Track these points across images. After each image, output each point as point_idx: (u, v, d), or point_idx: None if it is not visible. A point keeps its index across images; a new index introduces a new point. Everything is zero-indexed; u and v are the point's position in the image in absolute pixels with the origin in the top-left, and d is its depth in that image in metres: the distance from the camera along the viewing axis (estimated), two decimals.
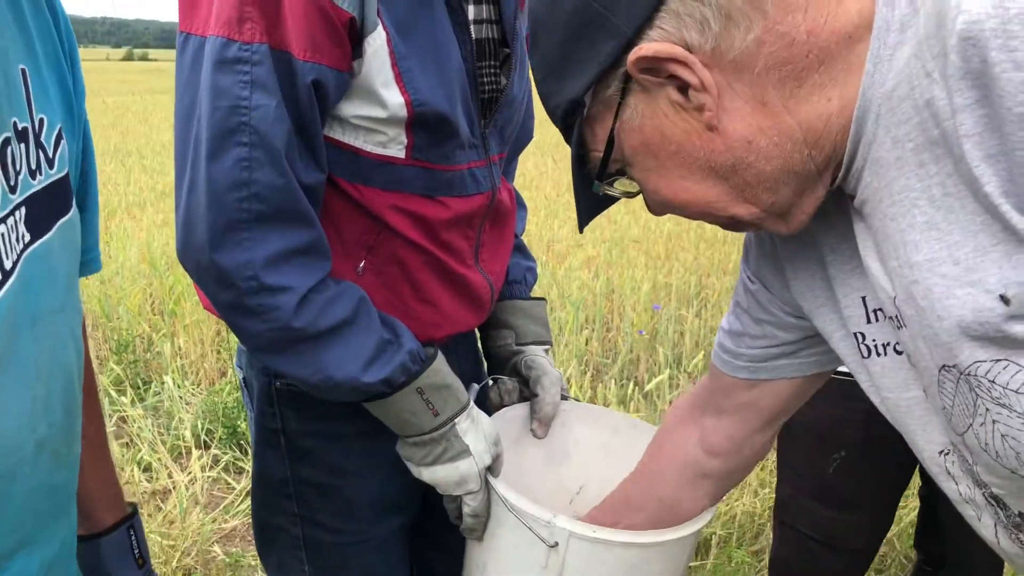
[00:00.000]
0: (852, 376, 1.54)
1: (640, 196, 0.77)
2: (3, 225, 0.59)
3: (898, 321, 0.65)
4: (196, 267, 0.92)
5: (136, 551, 0.89)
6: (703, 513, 1.02)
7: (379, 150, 0.97)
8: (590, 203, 0.79)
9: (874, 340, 0.73)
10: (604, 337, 3.98)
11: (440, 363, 1.02)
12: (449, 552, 1.27)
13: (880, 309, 0.71)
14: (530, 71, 1.22)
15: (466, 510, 1.04)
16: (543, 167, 8.88)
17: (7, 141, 0.60)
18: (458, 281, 1.08)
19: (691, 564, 2.28)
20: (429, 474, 1.03)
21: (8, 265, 0.60)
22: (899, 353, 0.71)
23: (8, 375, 0.60)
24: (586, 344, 3.79)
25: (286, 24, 0.87)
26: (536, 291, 4.35)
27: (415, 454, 1.03)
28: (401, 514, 1.17)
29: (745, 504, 2.56)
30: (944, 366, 0.61)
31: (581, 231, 0.82)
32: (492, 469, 1.05)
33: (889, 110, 0.60)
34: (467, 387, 1.09)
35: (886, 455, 1.48)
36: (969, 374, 0.59)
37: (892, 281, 0.64)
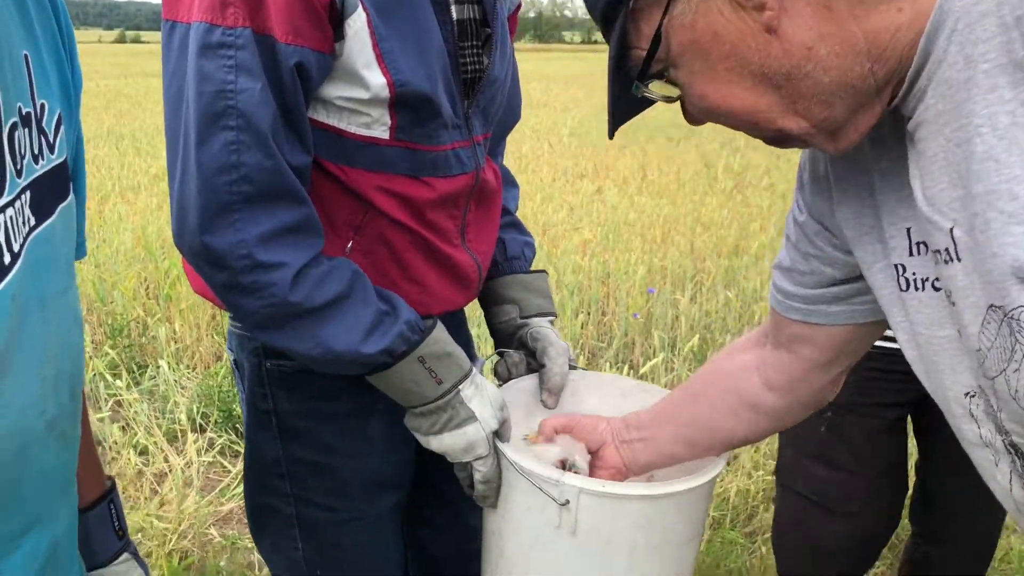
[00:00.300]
0: None
1: (678, 104, 0.72)
2: (11, 209, 0.61)
3: (946, 255, 0.62)
4: (191, 251, 0.94)
5: (116, 524, 0.91)
6: (715, 462, 1.03)
7: (363, 131, 0.99)
8: (624, 106, 0.75)
9: (914, 274, 0.70)
10: (599, 321, 3.99)
11: (440, 332, 1.04)
12: (442, 530, 1.29)
13: (923, 242, 0.68)
14: (513, 52, 1.22)
15: (477, 476, 1.05)
16: (539, 151, 8.86)
17: (14, 126, 0.61)
18: (444, 260, 1.10)
19: None
20: (437, 443, 1.04)
21: (16, 248, 0.61)
22: (937, 290, 0.68)
23: (20, 357, 0.61)
24: (581, 328, 3.80)
25: (268, 8, 0.88)
26: (547, 272, 4.35)
27: (422, 424, 1.05)
28: (394, 492, 1.18)
29: (739, 485, 2.58)
30: (992, 305, 0.59)
31: (611, 137, 0.78)
32: (500, 434, 1.06)
33: (967, 26, 0.56)
34: (477, 361, 1.12)
35: (875, 417, 1.51)
36: (1012, 317, 0.57)
37: (949, 211, 0.60)
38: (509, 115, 1.28)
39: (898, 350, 1.57)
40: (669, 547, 1.01)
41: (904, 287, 0.71)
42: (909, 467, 1.68)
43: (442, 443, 1.04)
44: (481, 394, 1.05)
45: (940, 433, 1.58)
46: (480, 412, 1.03)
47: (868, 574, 2.21)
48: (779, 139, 0.69)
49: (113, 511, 0.91)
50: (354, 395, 1.06)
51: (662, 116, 14.44)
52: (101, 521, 0.89)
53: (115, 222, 5.18)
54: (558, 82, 20.71)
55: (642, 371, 3.26)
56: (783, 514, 1.66)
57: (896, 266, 0.71)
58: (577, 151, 8.96)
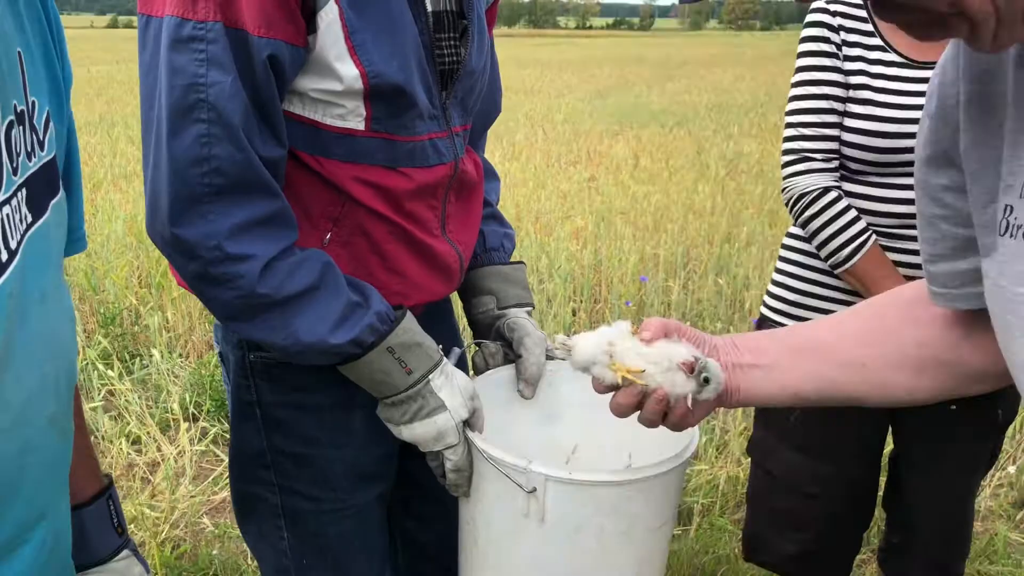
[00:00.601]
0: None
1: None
2: (7, 206, 0.62)
3: None
4: (162, 241, 0.96)
5: (115, 520, 0.92)
6: (687, 446, 1.01)
7: (339, 123, 1.00)
8: None
9: (1016, 218, 0.66)
10: (592, 309, 4.01)
11: (409, 322, 1.05)
12: (427, 521, 1.30)
13: None
14: (492, 45, 1.22)
15: (448, 465, 1.06)
16: (533, 138, 8.84)
17: (10, 124, 0.62)
18: (425, 251, 1.10)
19: (674, 532, 2.32)
20: (408, 432, 1.06)
21: (13, 245, 0.62)
22: None
23: (19, 353, 0.62)
24: (573, 316, 3.81)
25: (240, 2, 0.89)
26: (525, 263, 4.36)
27: (393, 414, 1.06)
28: (377, 484, 1.20)
29: (729, 472, 2.60)
30: None
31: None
32: (471, 424, 1.07)
33: None
34: (447, 354, 1.12)
35: (842, 408, 1.53)
36: None
37: None
38: (490, 107, 1.29)
39: None
40: (638, 533, 1.01)
41: (1002, 230, 0.67)
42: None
43: (413, 432, 1.05)
44: (451, 384, 1.06)
45: (910, 425, 1.62)
46: (450, 401, 1.04)
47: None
48: (938, 22, 0.62)
49: (112, 507, 0.91)
50: (336, 388, 1.07)
51: (656, 102, 14.41)
52: (100, 517, 0.90)
53: (107, 210, 5.17)
54: (552, 68, 20.64)
55: None
56: (753, 486, 1.75)
57: (1005, 207, 0.67)
58: (571, 138, 8.95)
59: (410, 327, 1.04)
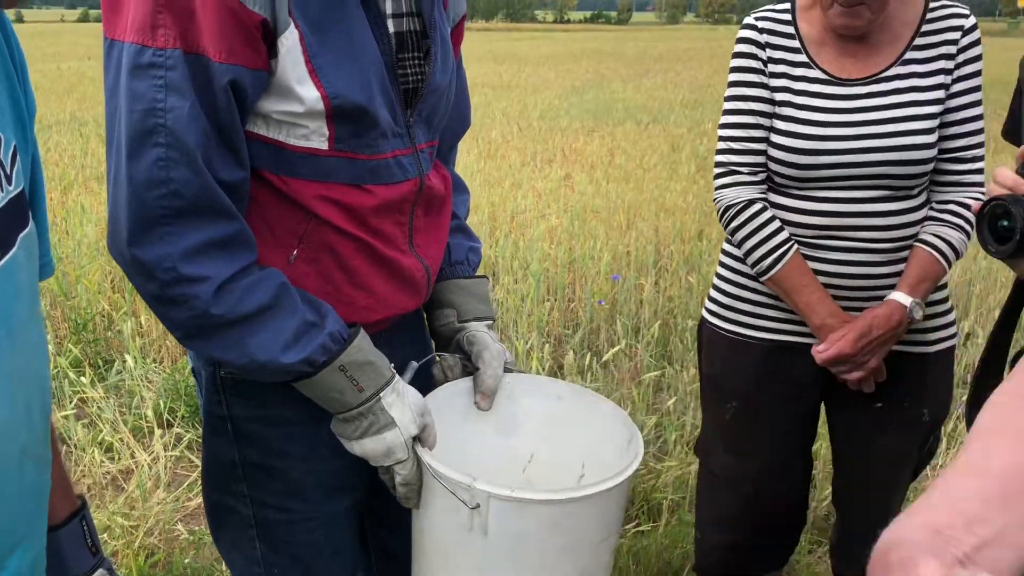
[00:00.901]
0: (742, 335, 1.63)
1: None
2: None
3: None
4: (121, 260, 0.99)
5: (89, 540, 0.94)
6: (628, 464, 1.04)
7: (302, 143, 1.03)
8: None
9: None
10: (566, 308, 4.05)
11: (362, 341, 1.07)
12: (399, 530, 1.33)
13: None
14: (460, 62, 1.26)
15: (397, 479, 1.10)
16: (509, 135, 8.86)
17: None
18: (392, 266, 1.13)
19: (643, 528, 2.37)
20: (359, 447, 1.09)
21: None
22: None
23: None
24: (548, 315, 3.85)
25: (200, 29, 0.92)
26: (500, 262, 4.39)
27: (345, 429, 1.09)
28: (348, 494, 1.23)
29: (696, 469, 2.65)
30: None
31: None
32: (422, 439, 1.10)
33: None
34: (403, 370, 1.15)
35: (775, 410, 1.65)
36: None
37: None
38: (458, 123, 1.31)
39: (796, 344, 1.68)
40: (580, 547, 1.05)
41: None
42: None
43: (363, 447, 1.09)
44: (402, 401, 1.09)
45: (839, 422, 1.70)
46: (400, 418, 1.08)
47: (810, 553, 2.30)
48: None
49: (85, 527, 0.93)
50: (306, 402, 1.10)
51: (632, 99, 14.43)
52: (74, 538, 0.92)
53: (78, 213, 5.13)
54: (529, 63, 20.64)
55: (605, 358, 3.32)
56: (699, 482, 1.85)
57: None
58: (547, 135, 8.98)
59: (362, 346, 1.07)
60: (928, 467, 1.83)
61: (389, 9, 1.07)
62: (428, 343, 1.37)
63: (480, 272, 1.40)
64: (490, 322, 1.31)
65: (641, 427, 2.54)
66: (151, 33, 0.91)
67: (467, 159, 6.99)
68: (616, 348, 3.34)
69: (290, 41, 0.96)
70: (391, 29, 1.07)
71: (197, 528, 2.42)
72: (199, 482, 2.59)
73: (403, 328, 1.25)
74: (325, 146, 1.03)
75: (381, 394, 1.07)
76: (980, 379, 1.27)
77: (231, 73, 0.94)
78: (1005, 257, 1.10)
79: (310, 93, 0.98)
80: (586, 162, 7.42)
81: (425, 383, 1.22)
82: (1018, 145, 1.32)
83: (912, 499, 2.55)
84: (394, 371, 1.11)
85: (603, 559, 1.10)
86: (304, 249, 1.07)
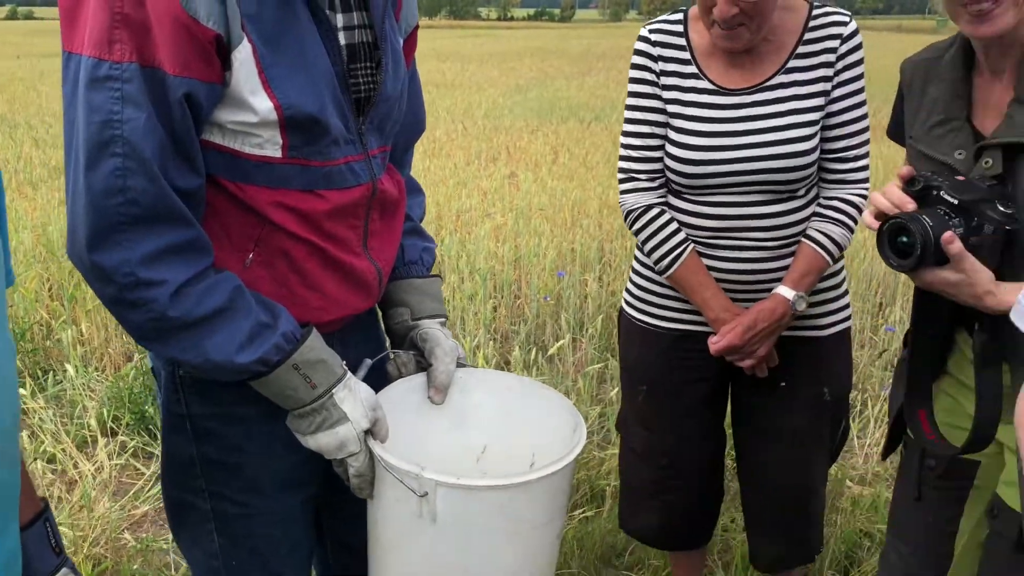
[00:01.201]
0: (655, 325, 1.70)
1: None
2: None
3: None
4: (81, 265, 1.03)
5: (52, 541, 0.96)
6: (569, 451, 1.11)
7: (257, 151, 1.07)
8: None
9: None
10: (512, 305, 4.11)
11: (314, 340, 1.13)
12: (355, 522, 1.37)
13: None
14: (415, 70, 1.31)
15: (351, 471, 1.15)
16: (453, 133, 8.89)
17: None
18: (344, 268, 1.18)
19: (588, 514, 2.44)
20: (314, 442, 1.14)
21: None
22: None
23: None
24: (494, 312, 3.91)
25: (155, 43, 0.96)
26: (446, 261, 4.42)
27: (300, 425, 1.14)
28: (302, 489, 1.27)
29: None
30: None
31: None
32: (374, 433, 1.16)
33: None
34: (357, 368, 1.20)
35: (681, 391, 1.78)
36: None
37: None
38: (412, 128, 1.37)
39: (696, 332, 1.81)
40: (525, 530, 1.11)
41: None
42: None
43: (317, 442, 1.14)
44: (354, 396, 1.14)
45: (744, 401, 1.80)
46: (352, 413, 1.13)
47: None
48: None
49: (49, 528, 0.96)
50: (261, 399, 1.14)
51: (575, 96, 14.48)
52: (39, 539, 0.94)
53: (14, 220, 5.00)
54: (473, 61, 20.66)
55: (550, 352, 3.40)
56: (621, 459, 1.95)
57: None
58: (491, 134, 9.03)
59: (315, 345, 1.12)
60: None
61: (340, 22, 1.13)
62: (382, 342, 1.42)
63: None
64: (443, 319, 1.37)
65: (586, 417, 2.62)
66: (108, 47, 0.95)
67: (412, 158, 6.96)
68: (561, 342, 3.41)
69: (243, 54, 1.01)
70: (343, 41, 1.12)
71: (144, 535, 2.41)
72: (146, 489, 2.61)
73: (356, 328, 1.30)
74: (279, 154, 1.07)
75: (333, 390, 1.12)
76: (912, 364, 1.36)
77: (186, 86, 0.98)
78: (906, 271, 1.20)
79: (263, 104, 1.03)
80: (530, 160, 7.50)
81: (380, 380, 1.27)
82: (902, 144, 1.42)
83: (869, 474, 2.68)
84: (346, 368, 1.16)
85: (547, 541, 1.17)
86: (259, 253, 1.12)
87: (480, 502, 1.07)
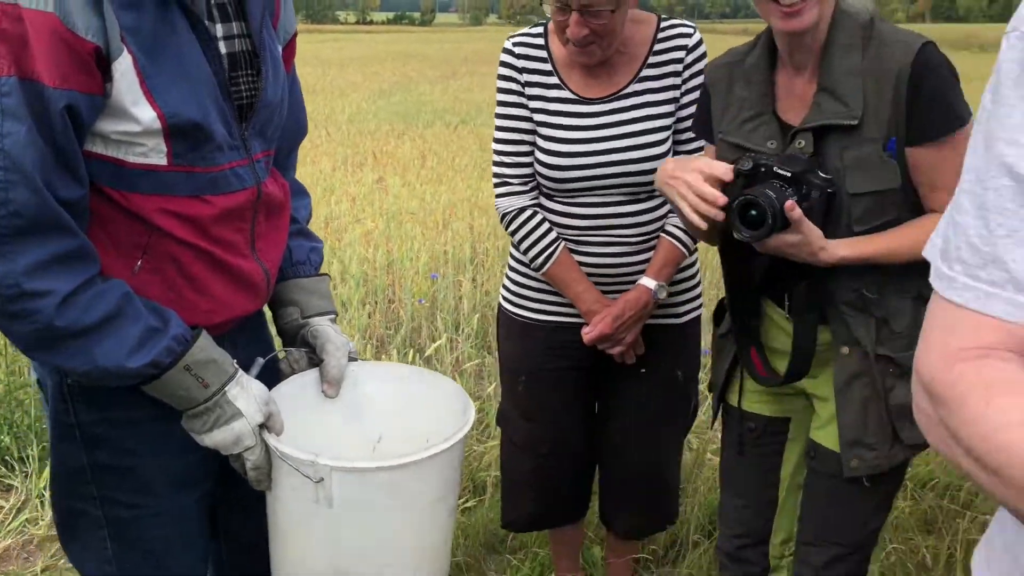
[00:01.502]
0: (532, 318, 1.77)
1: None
2: None
3: None
4: None
5: None
6: (455, 432, 1.18)
7: (141, 160, 1.09)
8: None
9: None
10: (387, 309, 4.13)
11: (204, 341, 1.15)
12: (253, 519, 1.40)
13: None
14: (294, 75, 1.34)
15: (248, 465, 1.19)
16: (317, 140, 8.75)
17: None
18: (232, 271, 1.21)
19: (470, 505, 2.52)
20: (209, 439, 1.17)
21: None
22: None
23: None
24: (368, 317, 3.91)
25: (34, 56, 0.97)
26: (329, 275, 4.37)
27: (195, 424, 1.17)
28: (195, 488, 1.29)
29: None
30: None
31: None
32: (269, 426, 1.20)
33: None
34: (249, 366, 1.24)
35: (557, 379, 1.90)
36: None
37: None
38: (294, 132, 1.42)
39: (570, 323, 1.96)
40: (417, 507, 1.18)
41: None
42: None
43: (213, 439, 1.17)
44: (247, 392, 1.18)
45: (609, 387, 1.95)
46: (245, 408, 1.17)
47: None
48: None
49: None
50: (153, 402, 1.16)
51: (440, 100, 14.53)
52: None
53: None
54: (333, 65, 20.32)
55: (427, 353, 3.45)
56: (502, 451, 2.05)
57: None
58: (356, 139, 8.96)
59: (205, 346, 1.15)
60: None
61: (220, 32, 1.16)
62: (271, 342, 1.46)
63: None
64: (333, 316, 1.42)
65: None
66: None
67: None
68: (438, 343, 3.48)
69: (124, 66, 1.03)
70: (223, 50, 1.16)
71: (11, 568, 2.28)
72: (6, 523, 2.45)
73: (245, 329, 1.33)
74: (164, 162, 1.10)
75: (226, 388, 1.16)
76: (735, 315, 1.54)
77: (66, 98, 0.99)
78: (758, 240, 1.36)
79: (146, 113, 1.05)
80: (398, 165, 7.51)
81: (273, 380, 1.31)
82: (706, 138, 1.60)
83: (699, 451, 2.88)
84: (237, 366, 1.19)
85: (440, 516, 1.24)
86: (147, 260, 1.14)
87: (372, 483, 1.13)
